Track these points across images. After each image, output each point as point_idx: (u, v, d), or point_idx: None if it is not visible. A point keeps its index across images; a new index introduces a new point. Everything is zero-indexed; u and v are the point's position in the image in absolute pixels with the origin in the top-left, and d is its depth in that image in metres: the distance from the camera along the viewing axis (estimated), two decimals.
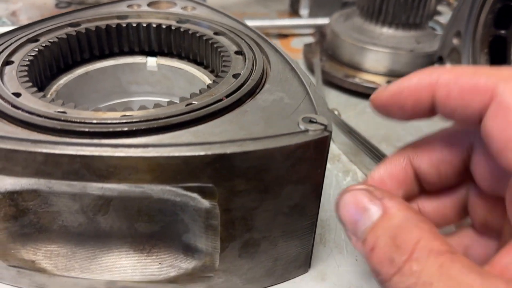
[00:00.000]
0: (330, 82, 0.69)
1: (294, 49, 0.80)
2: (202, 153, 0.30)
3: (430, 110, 0.28)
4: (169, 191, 0.32)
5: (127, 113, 0.32)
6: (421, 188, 0.33)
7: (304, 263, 0.39)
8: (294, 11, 0.94)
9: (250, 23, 0.46)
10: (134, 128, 0.31)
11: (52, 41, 0.43)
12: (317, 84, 0.65)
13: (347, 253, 0.41)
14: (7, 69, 0.38)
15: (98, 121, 0.31)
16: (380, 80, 0.65)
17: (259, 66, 0.39)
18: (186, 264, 0.36)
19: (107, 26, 0.46)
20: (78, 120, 0.31)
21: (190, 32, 0.46)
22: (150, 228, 0.36)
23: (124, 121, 0.31)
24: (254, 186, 0.32)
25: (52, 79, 0.44)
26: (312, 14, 0.87)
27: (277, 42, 0.83)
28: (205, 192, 0.32)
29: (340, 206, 0.28)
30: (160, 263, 0.36)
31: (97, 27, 0.46)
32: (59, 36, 0.44)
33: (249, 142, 0.31)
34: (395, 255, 0.24)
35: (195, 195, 0.32)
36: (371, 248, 0.26)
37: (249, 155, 0.30)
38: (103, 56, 0.48)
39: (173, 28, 0.47)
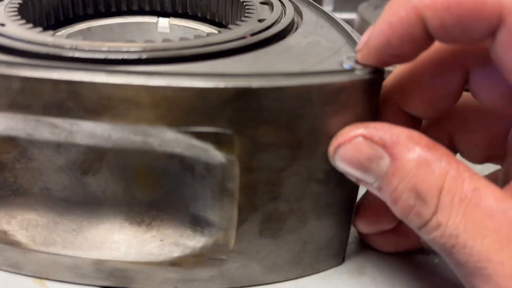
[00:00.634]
0: None
1: None
2: (222, 85, 0.23)
3: (426, 42, 0.23)
4: (176, 141, 0.26)
5: (130, 43, 0.26)
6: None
7: (338, 252, 0.32)
8: None
9: None
10: (135, 57, 0.25)
11: None
12: None
13: None
14: None
15: (92, 48, 0.25)
16: None
17: (289, 12, 0.33)
18: (194, 242, 0.29)
19: None
20: (67, 46, 0.25)
21: None
22: (151, 194, 0.29)
23: (124, 49, 0.25)
24: (284, 138, 0.25)
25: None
26: (337, 9, 0.82)
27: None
28: (221, 142, 0.25)
29: (338, 161, 0.26)
30: (161, 240, 0.29)
31: None
32: None
33: (281, 77, 0.24)
34: (421, 208, 0.23)
35: (208, 145, 0.25)
36: (393, 200, 0.24)
37: (281, 92, 0.24)
38: (109, 14, 0.42)
39: None
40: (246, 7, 0.35)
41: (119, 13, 0.42)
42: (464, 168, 0.23)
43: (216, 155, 0.26)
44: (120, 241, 0.29)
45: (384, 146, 0.24)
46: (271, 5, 0.35)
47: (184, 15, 0.43)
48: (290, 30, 0.32)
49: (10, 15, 0.31)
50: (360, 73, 0.25)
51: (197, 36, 0.28)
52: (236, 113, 0.24)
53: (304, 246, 0.30)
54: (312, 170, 0.27)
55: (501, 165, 0.29)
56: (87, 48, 0.25)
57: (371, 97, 0.25)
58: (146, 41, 0.27)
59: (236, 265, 0.29)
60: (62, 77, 0.23)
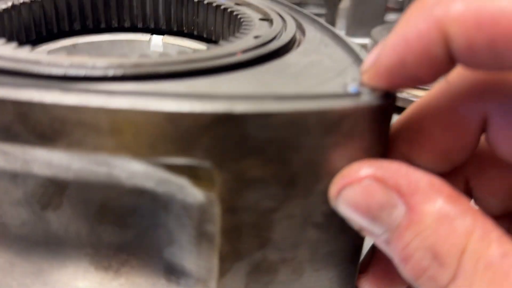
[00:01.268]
0: None
1: None
2: (198, 108, 0.19)
3: (447, 65, 0.19)
4: (146, 174, 0.22)
5: (98, 58, 0.22)
6: None
7: None
8: None
9: None
10: (99, 74, 0.21)
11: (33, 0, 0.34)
12: None
13: None
14: None
15: (53, 63, 0.21)
16: None
17: (290, 29, 0.29)
18: None
19: None
20: (25, 60, 0.22)
21: (205, 2, 0.37)
22: (119, 235, 0.25)
23: (88, 65, 0.21)
24: (275, 173, 0.21)
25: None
26: (349, 34, 0.79)
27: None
28: (199, 177, 0.21)
29: (341, 203, 0.21)
30: None
31: None
32: None
33: (271, 100, 0.20)
34: (437, 272, 0.19)
35: (183, 180, 0.21)
36: (404, 259, 0.20)
37: (270, 119, 0.20)
38: (98, 30, 0.39)
39: None
40: (244, 23, 0.32)
41: (109, 29, 0.39)
42: (492, 227, 0.19)
43: (193, 192, 0.22)
44: None
45: (399, 192, 0.20)
46: (271, 22, 0.31)
47: (179, 33, 0.40)
48: (290, 48, 0.28)
49: None
50: (367, 98, 0.21)
51: (180, 52, 0.25)
52: (216, 142, 0.20)
53: None
54: (308, 212, 0.22)
55: None
56: (47, 62, 0.21)
57: (380, 127, 0.21)
58: (120, 56, 0.23)
59: None
60: (8, 96, 0.19)
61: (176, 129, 0.19)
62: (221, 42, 0.27)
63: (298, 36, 0.31)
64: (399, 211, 0.20)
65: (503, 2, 0.16)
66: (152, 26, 0.40)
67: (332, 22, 0.84)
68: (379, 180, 0.20)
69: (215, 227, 0.22)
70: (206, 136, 0.20)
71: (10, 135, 0.20)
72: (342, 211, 0.21)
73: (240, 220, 0.22)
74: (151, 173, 0.21)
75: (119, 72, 0.21)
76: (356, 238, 0.24)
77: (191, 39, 0.39)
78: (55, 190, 0.24)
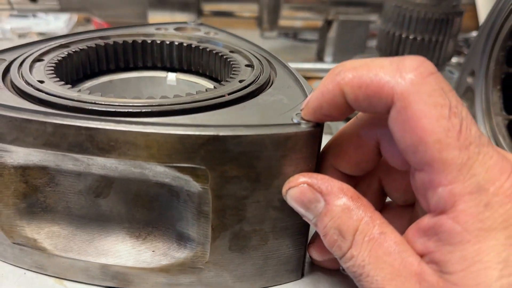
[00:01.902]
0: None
1: None
2: (196, 133, 0.31)
3: (348, 108, 0.31)
4: (165, 173, 0.34)
5: (135, 99, 0.35)
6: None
7: (296, 268, 0.39)
8: (319, 59, 0.98)
9: None
10: (137, 110, 0.33)
11: (81, 48, 0.47)
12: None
13: None
14: (37, 64, 0.42)
15: (107, 103, 0.34)
16: None
17: (265, 74, 0.42)
18: (179, 254, 0.37)
19: (134, 41, 0.51)
20: (88, 101, 0.34)
21: (208, 50, 0.49)
22: (147, 214, 0.37)
23: (130, 104, 0.34)
24: (245, 173, 0.33)
25: (77, 82, 0.48)
26: (335, 60, 0.91)
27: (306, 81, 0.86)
28: (198, 175, 0.33)
29: (288, 199, 0.33)
30: (153, 251, 0.37)
31: (124, 41, 0.50)
32: (89, 45, 0.48)
33: (242, 128, 0.32)
34: (341, 243, 0.31)
35: (188, 177, 0.34)
36: (323, 234, 0.32)
37: (241, 139, 0.32)
38: (127, 69, 0.52)
39: (193, 46, 0.51)
40: (233, 68, 0.44)
41: (135, 68, 0.52)
42: (377, 217, 0.31)
43: (194, 185, 0.34)
44: (122, 250, 0.37)
45: (321, 193, 0.32)
46: (253, 67, 0.44)
47: (188, 71, 0.52)
48: (264, 88, 0.40)
49: (48, 73, 0.40)
50: (304, 126, 0.33)
51: (188, 94, 0.37)
52: (208, 154, 0.32)
53: (266, 261, 0.37)
54: (269, 199, 0.34)
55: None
56: (103, 103, 0.34)
57: (312, 145, 0.33)
58: (148, 97, 0.36)
59: (212, 274, 0.37)
60: (82, 125, 0.32)
61: (184, 146, 0.32)
62: (216, 85, 0.39)
63: (272, 77, 0.43)
64: (321, 204, 0.32)
65: (371, 74, 0.28)
66: (168, 65, 0.52)
67: (322, 48, 0.96)
68: (310, 185, 0.32)
69: (208, 208, 0.34)
70: (202, 150, 0.32)
71: (82, 149, 0.33)
72: (289, 203, 0.33)
73: (224, 203, 0.34)
74: (168, 173, 0.34)
75: (148, 109, 0.34)
76: (302, 218, 0.36)
77: (197, 76, 0.52)
78: (105, 184, 0.36)
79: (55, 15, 1.12)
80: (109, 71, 0.51)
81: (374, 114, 0.33)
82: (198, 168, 0.33)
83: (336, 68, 0.30)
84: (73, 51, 0.46)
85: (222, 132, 0.32)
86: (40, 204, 0.38)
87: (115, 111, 0.33)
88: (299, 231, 0.37)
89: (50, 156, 0.35)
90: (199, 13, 0.87)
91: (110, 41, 0.50)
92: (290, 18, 0.91)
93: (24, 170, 0.36)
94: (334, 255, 0.32)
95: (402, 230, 0.31)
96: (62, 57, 0.45)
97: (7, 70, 0.41)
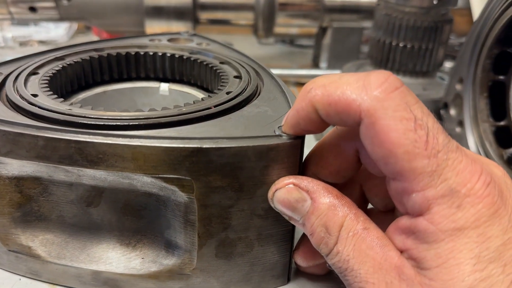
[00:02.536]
0: None
1: None
2: (181, 145, 0.33)
3: (322, 123, 0.32)
4: (152, 184, 0.36)
5: (123, 112, 0.36)
6: None
7: (282, 274, 0.40)
8: (315, 65, 0.99)
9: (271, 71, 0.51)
10: (125, 124, 0.35)
11: (76, 60, 0.49)
12: None
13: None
14: (32, 78, 0.44)
15: (96, 116, 0.35)
16: None
17: (252, 86, 0.43)
18: (167, 261, 0.38)
19: (127, 53, 0.52)
20: (78, 115, 0.36)
21: (198, 61, 0.51)
22: (136, 223, 0.38)
23: (118, 117, 0.35)
24: (229, 183, 0.34)
25: (72, 94, 0.49)
26: (330, 67, 0.92)
27: (294, 89, 0.88)
28: (183, 185, 0.35)
29: (275, 201, 0.34)
30: (142, 258, 0.39)
31: (118, 53, 0.52)
32: (83, 58, 0.49)
33: (225, 140, 0.34)
34: (328, 239, 0.32)
35: (174, 188, 0.35)
36: (311, 233, 0.33)
37: (224, 151, 0.33)
38: (121, 80, 0.53)
39: (184, 57, 0.52)
40: (222, 79, 0.46)
41: (129, 78, 0.53)
42: (360, 214, 0.32)
43: (180, 195, 0.35)
44: (112, 257, 0.39)
45: (307, 192, 0.33)
46: (241, 78, 0.45)
47: (180, 81, 0.54)
48: (251, 99, 0.42)
49: (42, 86, 0.42)
50: (285, 138, 0.34)
51: (176, 106, 0.39)
52: (193, 165, 0.33)
53: (252, 267, 0.38)
54: (253, 208, 0.36)
55: None
56: (92, 116, 0.35)
57: (294, 155, 0.35)
58: (137, 110, 0.37)
59: (199, 280, 0.38)
60: (72, 138, 0.33)
61: (169, 158, 0.33)
62: (203, 97, 0.41)
63: (259, 88, 0.44)
64: (308, 203, 0.33)
65: (338, 92, 0.29)
66: (161, 76, 0.54)
67: (318, 55, 0.97)
68: (296, 185, 0.34)
69: (194, 216, 0.36)
70: (187, 162, 0.33)
71: (72, 161, 0.34)
72: (276, 206, 0.35)
73: (210, 212, 0.35)
74: (155, 183, 0.35)
75: (136, 122, 0.35)
76: (287, 225, 0.38)
77: (189, 86, 0.53)
78: (96, 194, 0.38)
79: (55, 24, 1.14)
80: (103, 82, 0.52)
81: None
82: (183, 179, 0.34)
83: (307, 85, 0.31)
84: (67, 64, 0.48)
85: (205, 145, 0.33)
86: (34, 213, 0.39)
87: (103, 125, 0.35)
88: (284, 238, 0.38)
89: (42, 167, 0.36)
90: (196, 21, 0.88)
91: (104, 53, 0.51)
92: (285, 25, 0.92)
93: (18, 181, 0.38)
94: (321, 253, 0.33)
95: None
96: (57, 70, 0.46)
97: (3, 84, 0.42)
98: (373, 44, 0.72)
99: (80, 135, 0.33)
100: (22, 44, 1.07)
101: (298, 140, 0.34)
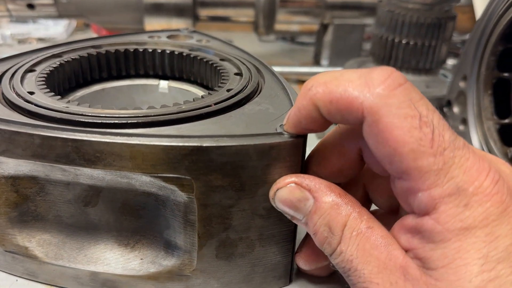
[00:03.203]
0: None
1: None
2: (180, 144, 0.32)
3: (324, 121, 0.31)
4: (151, 183, 0.35)
5: (121, 110, 0.35)
6: None
7: (284, 275, 0.39)
8: (316, 62, 0.98)
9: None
10: (123, 122, 0.34)
11: (73, 57, 0.48)
12: None
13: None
14: (29, 75, 0.43)
15: (93, 114, 0.35)
16: None
17: (253, 83, 0.42)
18: (166, 261, 0.38)
19: (126, 50, 0.51)
20: (75, 112, 0.35)
21: (198, 58, 0.50)
22: (134, 222, 0.38)
23: (116, 115, 0.35)
24: (230, 183, 0.34)
25: (69, 91, 0.48)
26: (331, 64, 0.91)
27: (295, 87, 0.87)
28: (183, 185, 0.34)
29: (277, 200, 0.33)
30: (141, 259, 0.38)
31: (116, 50, 0.51)
32: (81, 55, 0.49)
33: (226, 138, 0.33)
34: (331, 239, 0.31)
35: (174, 187, 0.34)
36: (314, 233, 0.32)
37: (225, 150, 0.32)
38: (119, 77, 0.52)
39: (184, 54, 0.51)
40: (222, 76, 0.45)
41: (128, 76, 0.53)
42: (364, 212, 0.32)
43: (180, 195, 0.35)
44: (111, 258, 0.38)
45: (310, 190, 0.32)
46: (241, 75, 0.44)
47: (180, 79, 0.53)
48: (252, 97, 0.41)
49: (39, 84, 0.41)
50: (287, 136, 0.33)
51: (175, 104, 0.38)
52: (192, 164, 0.33)
53: (253, 268, 0.38)
54: (254, 207, 0.35)
55: None
56: (90, 114, 0.35)
57: (295, 154, 0.34)
58: (135, 108, 0.36)
59: (199, 281, 0.37)
60: (68, 137, 0.32)
61: (168, 156, 0.32)
62: (204, 94, 0.40)
63: (260, 85, 0.43)
64: (310, 202, 0.32)
65: (340, 90, 0.28)
66: (160, 73, 0.53)
67: (319, 52, 0.96)
68: (297, 184, 0.33)
69: (194, 216, 0.35)
70: (186, 160, 0.32)
71: (69, 160, 0.33)
72: (277, 206, 0.34)
73: (210, 212, 0.35)
74: (154, 182, 0.35)
75: (134, 120, 0.34)
76: (289, 225, 0.37)
77: (189, 84, 0.52)
78: (93, 193, 0.37)
79: (54, 21, 1.13)
80: (101, 80, 0.51)
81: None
82: (183, 178, 0.33)
83: (308, 83, 0.30)
84: (65, 61, 0.47)
85: (206, 143, 0.32)
86: (31, 213, 0.38)
87: (101, 123, 0.34)
88: (286, 238, 0.37)
89: (39, 166, 0.35)
90: (196, 18, 0.87)
91: (102, 50, 0.50)
92: (286, 22, 0.91)
93: (14, 180, 0.37)
94: (324, 252, 0.32)
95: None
96: (54, 67, 0.45)
97: None
98: (376, 41, 0.71)
99: (77, 134, 0.32)
100: (21, 41, 1.06)
101: (300, 138, 0.34)
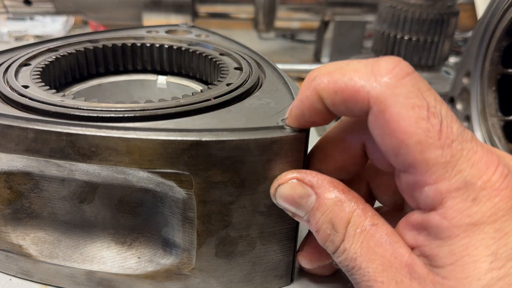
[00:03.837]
0: None
1: None
2: (179, 138, 0.31)
3: (328, 113, 0.30)
4: (148, 179, 0.34)
5: (118, 104, 0.34)
6: None
7: (285, 274, 0.38)
8: (317, 59, 0.97)
9: None
10: (119, 115, 0.33)
11: (70, 52, 0.47)
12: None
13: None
14: (23, 69, 0.42)
15: (89, 108, 0.34)
16: None
17: (253, 77, 0.41)
18: (164, 260, 0.37)
19: (123, 44, 0.50)
20: (71, 106, 0.34)
21: (197, 52, 0.49)
22: (132, 220, 0.37)
23: (112, 109, 0.33)
24: (230, 178, 0.33)
25: (65, 86, 0.47)
26: (332, 61, 0.90)
27: (296, 84, 0.86)
28: (182, 181, 0.33)
29: (278, 197, 0.32)
30: (139, 257, 0.37)
31: (113, 44, 0.50)
32: (78, 49, 0.48)
33: (225, 133, 0.32)
34: (334, 237, 0.30)
35: (172, 183, 0.33)
36: (316, 230, 0.31)
37: (225, 144, 0.31)
38: (117, 72, 0.51)
39: (183, 49, 0.50)
40: (222, 70, 0.44)
41: (125, 71, 0.52)
42: (368, 209, 0.31)
43: (179, 191, 0.34)
44: (107, 256, 0.37)
45: (312, 186, 0.31)
46: (242, 70, 0.43)
47: (179, 74, 0.52)
48: (252, 91, 0.40)
49: (34, 78, 0.40)
50: (289, 130, 0.32)
51: (173, 98, 0.37)
52: (191, 159, 0.32)
53: (254, 267, 0.37)
54: (255, 204, 0.34)
55: None
56: (85, 108, 0.34)
57: (297, 149, 0.33)
58: (132, 101, 0.35)
59: (198, 280, 0.36)
60: (63, 131, 0.31)
61: (166, 151, 0.31)
62: (202, 88, 0.39)
63: (261, 80, 0.42)
64: (312, 198, 0.31)
65: (345, 79, 0.27)
66: (158, 68, 0.52)
67: (320, 49, 0.95)
68: (299, 180, 0.32)
69: (193, 213, 0.34)
70: (185, 155, 0.31)
71: (63, 155, 0.32)
72: (279, 202, 0.33)
73: (210, 209, 0.33)
74: (152, 178, 0.33)
75: (131, 114, 0.33)
76: (291, 222, 0.36)
77: (188, 79, 0.51)
78: (89, 189, 0.36)
79: (52, 18, 1.12)
80: (98, 75, 0.50)
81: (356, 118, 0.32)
82: (181, 174, 0.32)
83: (312, 73, 0.29)
84: (61, 55, 0.46)
85: (205, 137, 0.31)
86: (25, 210, 0.37)
87: (97, 116, 0.33)
88: (287, 236, 0.36)
89: (33, 161, 0.34)
90: (195, 15, 0.86)
91: (99, 45, 0.49)
92: (286, 19, 0.90)
93: (8, 176, 0.36)
94: (327, 250, 0.31)
95: None
96: (50, 61, 0.44)
97: None
98: (377, 37, 0.70)
99: (71, 127, 0.31)
100: (18, 39, 1.05)
101: (303, 133, 0.33)
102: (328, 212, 0.31)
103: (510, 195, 0.26)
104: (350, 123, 0.33)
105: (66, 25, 1.12)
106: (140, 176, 0.34)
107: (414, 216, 0.28)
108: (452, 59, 0.92)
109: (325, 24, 0.91)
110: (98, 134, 0.31)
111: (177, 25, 0.57)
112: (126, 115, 0.33)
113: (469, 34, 1.09)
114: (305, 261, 0.38)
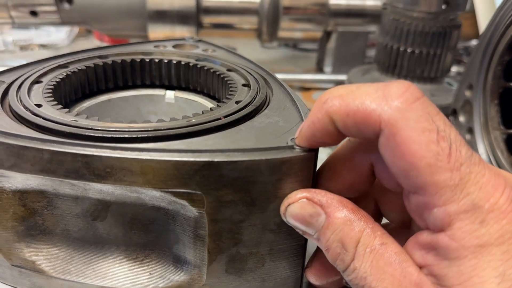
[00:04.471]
0: None
1: (315, 100, 0.83)
2: (192, 159, 0.32)
3: (339, 135, 0.31)
4: (161, 198, 0.34)
5: (131, 124, 0.35)
6: None
7: None
8: (319, 69, 0.98)
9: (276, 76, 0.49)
10: (133, 136, 0.34)
11: (80, 68, 0.48)
12: None
13: None
14: (35, 86, 0.42)
15: (103, 128, 0.34)
16: None
17: (261, 95, 0.42)
18: (175, 276, 0.37)
19: (132, 60, 0.51)
20: (85, 126, 0.35)
21: (205, 68, 0.50)
22: (144, 237, 0.37)
23: (126, 129, 0.34)
24: (241, 198, 0.33)
25: (76, 102, 0.48)
26: (334, 71, 0.91)
27: (299, 94, 0.87)
28: (194, 200, 0.34)
29: (288, 216, 0.33)
30: (150, 273, 0.38)
31: (122, 60, 0.51)
32: (87, 65, 0.48)
33: (237, 153, 0.33)
34: (344, 256, 0.31)
35: (184, 202, 0.34)
36: (326, 249, 0.32)
37: (236, 165, 0.32)
38: (126, 87, 0.52)
39: (191, 64, 0.51)
40: (230, 87, 0.45)
41: (134, 86, 0.52)
42: (377, 228, 0.31)
43: (190, 209, 0.34)
44: (119, 272, 0.38)
45: (321, 206, 0.32)
46: (249, 87, 0.44)
47: (186, 89, 0.53)
48: (260, 109, 0.40)
49: (46, 96, 0.41)
50: (299, 150, 0.33)
51: (184, 116, 0.37)
52: (203, 179, 0.32)
53: (263, 283, 0.37)
54: (265, 222, 0.35)
55: None
56: (99, 128, 0.34)
57: (307, 168, 0.33)
58: (144, 121, 0.36)
59: None
60: (78, 152, 0.32)
61: (179, 172, 0.32)
62: (213, 107, 0.40)
63: (268, 97, 0.43)
64: (322, 217, 0.32)
65: (357, 102, 0.28)
66: (166, 83, 0.53)
67: (322, 59, 0.96)
68: (309, 199, 0.32)
69: (204, 231, 0.34)
70: (197, 176, 0.32)
71: (78, 175, 0.33)
72: (289, 221, 0.34)
73: (221, 227, 0.34)
74: (164, 197, 0.34)
75: (144, 135, 0.34)
76: (300, 239, 0.36)
77: (196, 94, 0.52)
78: (102, 207, 0.36)
79: (56, 27, 1.13)
80: (108, 90, 0.51)
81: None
82: (193, 193, 0.33)
83: (323, 96, 0.30)
84: (71, 72, 0.47)
85: (217, 158, 0.32)
86: (39, 227, 0.38)
87: (111, 137, 0.34)
88: (296, 253, 0.37)
89: (47, 181, 0.35)
90: (199, 25, 0.87)
91: (109, 60, 0.50)
92: (289, 29, 0.91)
93: (22, 194, 0.37)
94: (337, 268, 0.32)
95: None
96: (61, 78, 0.45)
97: (5, 93, 0.41)
98: (380, 49, 0.71)
99: (87, 148, 0.32)
100: (23, 48, 1.06)
101: (312, 152, 0.33)
102: (338, 231, 0.31)
103: None
104: (358, 143, 0.34)
105: (70, 34, 1.13)
106: (152, 195, 0.34)
107: (423, 236, 0.29)
108: (453, 68, 0.93)
109: (327, 34, 0.92)
110: (113, 155, 0.32)
111: (183, 39, 0.58)
112: (139, 136, 0.34)
113: (470, 42, 1.10)
114: (313, 277, 0.38)
